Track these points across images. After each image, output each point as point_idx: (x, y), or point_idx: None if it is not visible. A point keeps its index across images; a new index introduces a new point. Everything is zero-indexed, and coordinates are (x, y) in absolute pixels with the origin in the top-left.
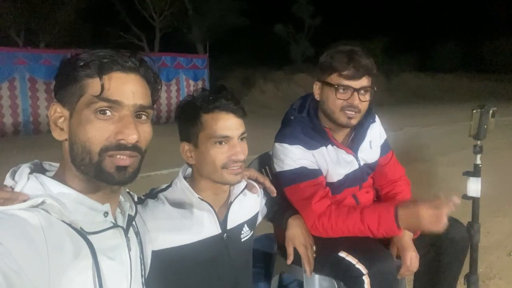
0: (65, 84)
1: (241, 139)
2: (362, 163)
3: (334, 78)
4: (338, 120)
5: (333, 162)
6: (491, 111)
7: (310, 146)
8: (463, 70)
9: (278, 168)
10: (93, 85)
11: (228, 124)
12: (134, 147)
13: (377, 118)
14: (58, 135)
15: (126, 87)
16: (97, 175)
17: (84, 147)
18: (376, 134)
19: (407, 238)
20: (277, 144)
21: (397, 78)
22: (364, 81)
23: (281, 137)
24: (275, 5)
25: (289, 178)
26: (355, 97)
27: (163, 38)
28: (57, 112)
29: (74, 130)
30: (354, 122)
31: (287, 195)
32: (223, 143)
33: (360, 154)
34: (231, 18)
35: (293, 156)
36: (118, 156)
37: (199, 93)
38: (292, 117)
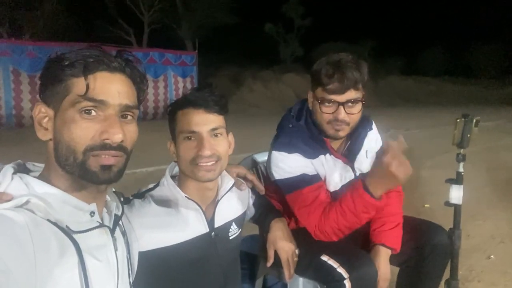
0: (50, 84)
1: (215, 135)
2: (358, 173)
3: (319, 92)
4: (327, 132)
5: (331, 170)
6: (474, 120)
7: (309, 155)
8: (448, 74)
9: (277, 176)
10: (78, 84)
11: (196, 119)
12: (119, 147)
13: (374, 125)
14: (43, 135)
15: (112, 87)
16: (81, 174)
17: (68, 147)
18: (373, 142)
19: (382, 258)
20: (275, 152)
21: (383, 81)
22: (350, 94)
23: (279, 145)
24: (265, 4)
25: (290, 186)
26: (340, 111)
27: (152, 34)
28: (42, 112)
29: (58, 130)
30: (342, 134)
31: (289, 202)
32: (192, 138)
33: (356, 164)
34: (221, 15)
35: (292, 164)
36: (103, 156)
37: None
38: (290, 125)
